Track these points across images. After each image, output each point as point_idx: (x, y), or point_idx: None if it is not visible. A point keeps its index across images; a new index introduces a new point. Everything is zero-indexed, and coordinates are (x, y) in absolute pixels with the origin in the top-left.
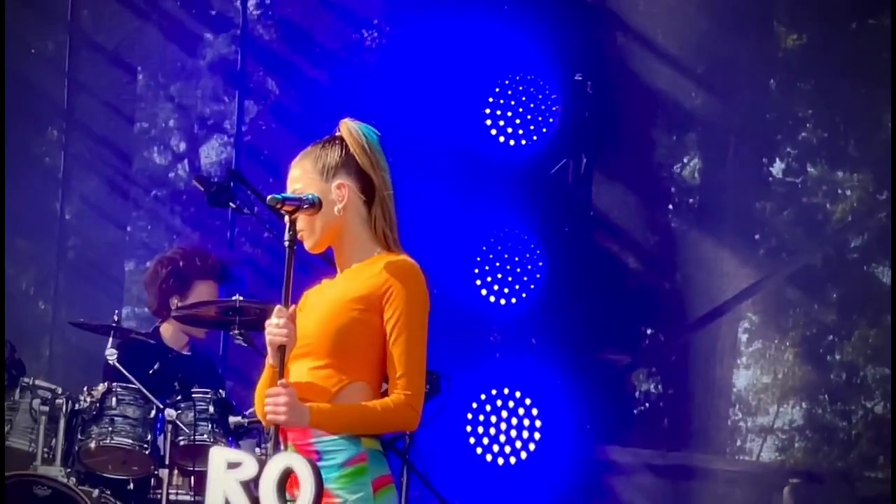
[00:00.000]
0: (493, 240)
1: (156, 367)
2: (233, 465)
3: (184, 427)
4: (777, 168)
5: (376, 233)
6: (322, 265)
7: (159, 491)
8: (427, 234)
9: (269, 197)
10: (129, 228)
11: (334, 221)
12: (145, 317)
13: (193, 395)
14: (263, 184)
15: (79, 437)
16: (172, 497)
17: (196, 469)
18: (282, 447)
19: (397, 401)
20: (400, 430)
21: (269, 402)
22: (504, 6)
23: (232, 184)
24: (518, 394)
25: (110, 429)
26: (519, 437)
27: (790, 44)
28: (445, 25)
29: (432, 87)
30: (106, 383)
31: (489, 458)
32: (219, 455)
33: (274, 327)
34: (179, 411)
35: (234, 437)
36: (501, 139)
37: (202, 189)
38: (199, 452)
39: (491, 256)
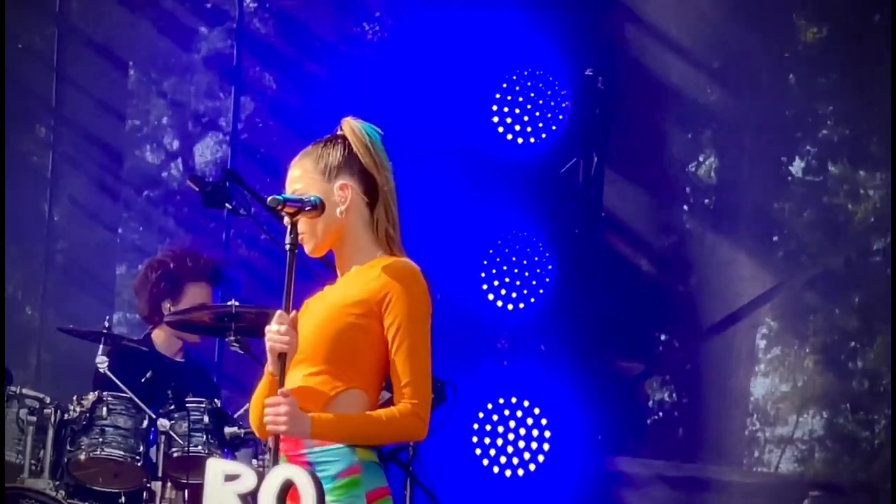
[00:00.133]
0: (501, 242)
1: (148, 375)
2: (230, 478)
3: (178, 438)
4: (796, 167)
5: (378, 235)
6: (323, 269)
7: None
8: (432, 237)
9: (269, 198)
10: (120, 230)
11: (336, 223)
12: (137, 322)
13: (188, 405)
14: (260, 183)
15: (68, 448)
16: None
17: (190, 482)
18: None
19: (403, 410)
20: (406, 441)
21: (268, 411)
22: None
23: (227, 184)
24: (526, 403)
25: (101, 440)
26: (527, 447)
27: (810, 37)
28: (450, 18)
29: (436, 83)
30: (96, 392)
31: (496, 469)
32: (216, 467)
33: (275, 334)
34: (173, 421)
35: (229, 448)
36: (509, 137)
37: (196, 189)
38: (193, 464)
39: (498, 259)
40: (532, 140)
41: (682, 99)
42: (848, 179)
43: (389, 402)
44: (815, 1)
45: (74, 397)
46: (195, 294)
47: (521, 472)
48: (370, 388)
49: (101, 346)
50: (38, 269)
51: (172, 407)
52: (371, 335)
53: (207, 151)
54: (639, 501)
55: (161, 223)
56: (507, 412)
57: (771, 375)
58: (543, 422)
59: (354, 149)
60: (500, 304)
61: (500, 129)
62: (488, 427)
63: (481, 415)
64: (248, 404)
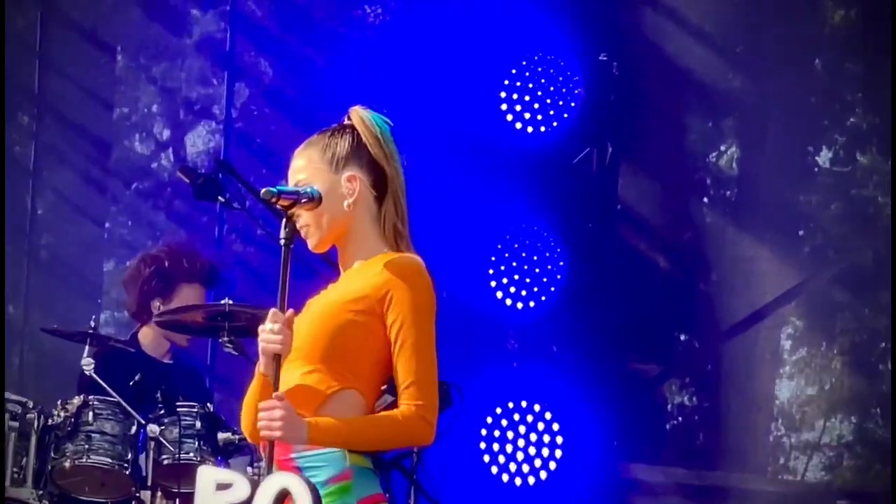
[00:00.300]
0: (510, 237)
1: (137, 378)
2: (222, 487)
3: (168, 444)
4: (823, 157)
5: (385, 231)
6: (323, 266)
7: None
8: (436, 232)
9: (263, 190)
10: (107, 225)
11: (342, 217)
12: (126, 322)
13: (178, 409)
14: (255, 175)
15: (52, 455)
16: None
17: (181, 490)
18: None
19: (407, 412)
20: (412, 445)
21: (262, 416)
22: None
23: (220, 175)
24: (537, 407)
25: (87, 446)
26: (538, 454)
27: (837, 20)
28: (456, 0)
29: (442, 69)
30: (82, 396)
31: (505, 478)
32: (207, 475)
33: (268, 333)
34: (163, 427)
35: (223, 455)
36: (518, 126)
37: (187, 181)
38: (184, 472)
39: (507, 255)
40: (543, 129)
41: (703, 85)
42: (878, 170)
43: (392, 406)
44: None
45: (59, 401)
46: (188, 295)
47: (531, 480)
48: (367, 390)
49: (86, 347)
50: (21, 265)
51: (162, 411)
52: (371, 334)
53: (200, 141)
54: None
55: (151, 217)
56: (516, 417)
57: (796, 377)
58: (555, 427)
59: (364, 139)
60: (508, 302)
61: (509, 118)
62: (497, 433)
63: (489, 420)
64: None
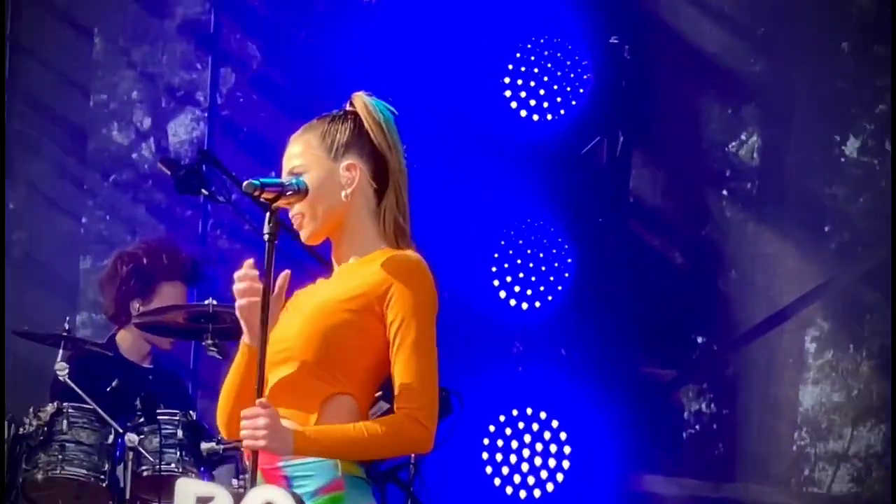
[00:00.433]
0: (514, 233)
1: (115, 383)
2: (203, 500)
3: (147, 455)
4: (851, 147)
5: (385, 226)
6: (312, 263)
7: None
8: (435, 228)
9: (245, 183)
10: (84, 220)
11: (339, 208)
12: (103, 324)
13: (159, 417)
14: (242, 166)
15: (23, 466)
16: None
17: None
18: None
19: (403, 418)
20: (408, 454)
21: (245, 424)
22: None
23: (204, 167)
24: (543, 414)
25: (60, 457)
26: (544, 465)
27: (866, 0)
28: None
29: (441, 53)
30: (55, 403)
31: (509, 490)
32: (186, 488)
33: (238, 280)
34: (142, 436)
35: (206, 466)
36: (523, 114)
37: (168, 173)
38: (165, 484)
39: (511, 253)
40: (549, 117)
41: (721, 70)
42: None
43: (389, 413)
44: None
45: (31, 409)
46: (168, 294)
47: (537, 492)
48: (361, 395)
49: (60, 351)
50: None
51: (142, 420)
52: (367, 335)
53: (182, 130)
54: None
55: (130, 211)
56: (521, 425)
57: (822, 383)
58: (563, 436)
59: (366, 126)
60: (513, 302)
61: (514, 105)
62: (500, 442)
63: (492, 428)
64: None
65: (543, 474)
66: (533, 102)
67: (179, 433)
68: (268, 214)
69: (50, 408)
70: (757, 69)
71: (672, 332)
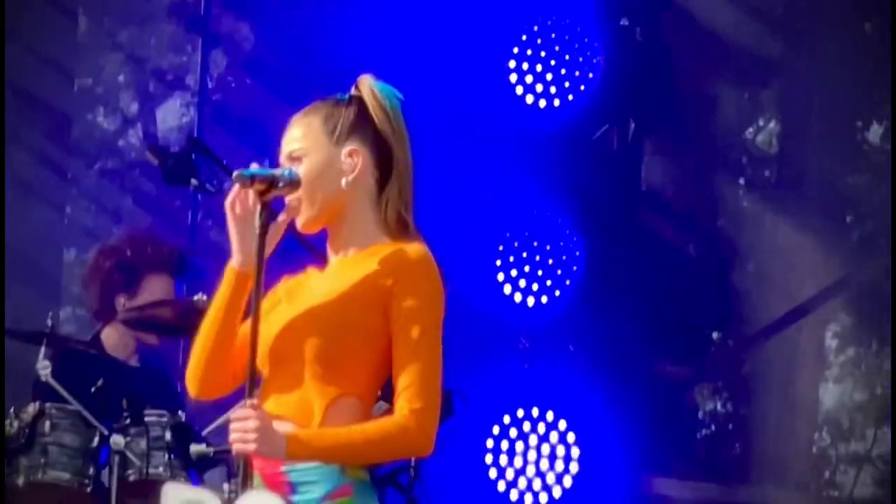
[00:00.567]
0: (520, 225)
1: (99, 383)
2: None
3: (134, 458)
4: (874, 133)
5: (386, 218)
6: (304, 254)
7: None
8: (437, 219)
9: (235, 174)
10: (68, 210)
11: (339, 195)
12: (88, 319)
13: (146, 419)
14: (233, 155)
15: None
16: None
17: None
18: (257, 482)
19: (402, 420)
20: (407, 458)
21: (235, 427)
22: None
23: (194, 155)
24: (550, 415)
25: (43, 460)
26: (551, 468)
27: None
28: None
29: (444, 36)
30: (37, 404)
31: (514, 495)
32: (174, 494)
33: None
34: (129, 438)
35: (196, 469)
36: (529, 100)
37: (156, 162)
38: (152, 489)
39: (517, 245)
40: (557, 103)
41: (738, 52)
42: None
43: (387, 414)
44: None
45: (11, 410)
46: (155, 287)
47: (543, 497)
48: (366, 396)
49: (42, 349)
50: None
51: (128, 421)
52: (372, 333)
53: (171, 116)
54: None
55: (117, 201)
56: (527, 426)
57: (844, 381)
58: (571, 438)
59: (371, 111)
60: (519, 298)
61: (519, 91)
62: (505, 444)
63: (496, 429)
64: (220, 419)
65: (550, 478)
66: (539, 88)
67: (167, 435)
68: (259, 206)
69: (31, 409)
70: (775, 51)
71: (686, 328)
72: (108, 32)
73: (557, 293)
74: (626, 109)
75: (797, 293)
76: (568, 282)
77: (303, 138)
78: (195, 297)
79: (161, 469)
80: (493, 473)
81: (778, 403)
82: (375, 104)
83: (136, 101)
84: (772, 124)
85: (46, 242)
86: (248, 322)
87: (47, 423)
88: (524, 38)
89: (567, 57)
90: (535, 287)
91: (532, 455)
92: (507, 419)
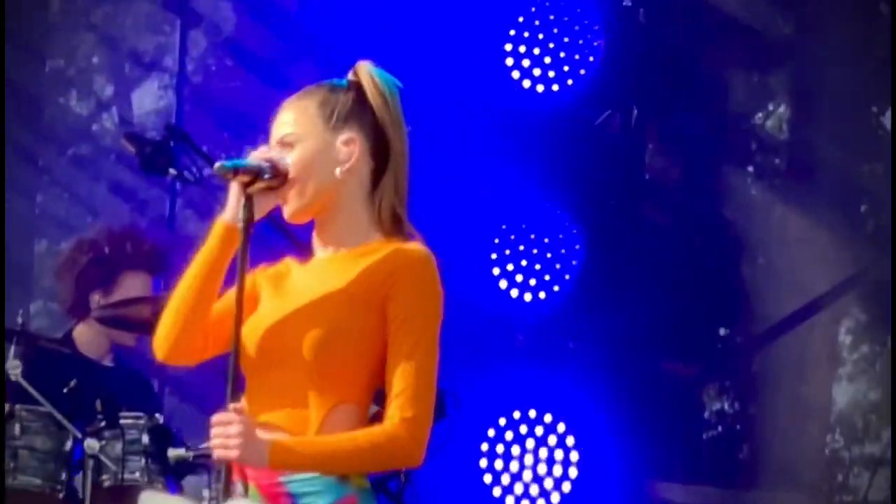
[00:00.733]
0: (516, 215)
1: (72, 383)
2: None
3: (109, 463)
4: (889, 118)
5: (380, 212)
6: (288, 248)
7: None
8: (430, 210)
9: (216, 165)
10: (38, 198)
11: (332, 185)
12: (61, 314)
13: (121, 421)
14: (214, 142)
15: None
16: None
17: None
18: (239, 490)
19: (392, 430)
20: (395, 468)
21: (216, 432)
22: None
23: (172, 143)
24: (548, 417)
25: (12, 465)
26: (549, 473)
27: None
28: None
29: (436, 17)
30: (7, 406)
31: (510, 501)
32: (151, 501)
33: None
34: (103, 442)
35: (174, 475)
36: (526, 84)
37: (133, 151)
38: (128, 496)
39: (513, 238)
40: (556, 88)
41: (747, 33)
42: None
43: (377, 417)
44: None
45: None
46: (131, 284)
47: (541, 503)
48: (363, 403)
49: (12, 347)
50: None
51: (103, 424)
52: (369, 335)
53: (148, 99)
54: None
55: (91, 189)
56: (523, 429)
57: (858, 380)
58: (570, 441)
59: (370, 98)
60: (515, 293)
61: (516, 75)
62: (500, 448)
63: (492, 432)
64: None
65: (548, 483)
66: (538, 72)
67: (144, 438)
68: (242, 200)
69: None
70: (786, 32)
71: (692, 325)
72: (81, 11)
73: (556, 288)
74: (628, 95)
75: (809, 287)
76: (567, 276)
77: (296, 123)
78: None
79: (137, 474)
80: (487, 479)
81: (788, 403)
82: (375, 91)
83: (111, 84)
84: (782, 109)
85: (17, 233)
86: (226, 298)
87: (17, 426)
88: (521, 19)
89: (566, 39)
90: (532, 282)
91: (529, 459)
92: (502, 421)
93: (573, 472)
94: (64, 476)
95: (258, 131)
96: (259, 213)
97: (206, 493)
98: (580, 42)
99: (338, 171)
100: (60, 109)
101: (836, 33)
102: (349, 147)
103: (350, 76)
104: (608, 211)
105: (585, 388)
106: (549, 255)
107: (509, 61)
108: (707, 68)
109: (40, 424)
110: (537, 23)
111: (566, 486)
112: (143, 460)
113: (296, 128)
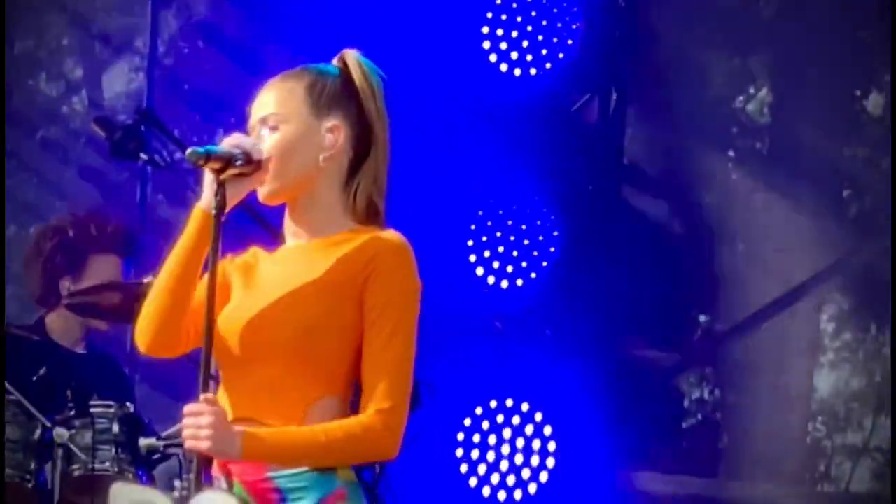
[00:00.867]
0: (493, 201)
1: (42, 371)
2: None
3: (79, 452)
4: (873, 102)
5: (355, 201)
6: (260, 235)
7: None
8: (405, 196)
9: (188, 151)
10: (6, 183)
11: (311, 171)
12: (29, 299)
13: (92, 410)
14: (186, 124)
15: None
16: None
17: None
18: (221, 484)
19: (367, 422)
20: (370, 461)
21: (188, 422)
22: None
23: (143, 127)
24: (525, 406)
25: None
26: (526, 463)
27: None
28: None
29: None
30: None
31: (487, 491)
32: (122, 494)
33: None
34: (73, 431)
35: (145, 465)
36: (504, 68)
37: (103, 135)
38: (99, 486)
39: (490, 224)
40: (533, 72)
41: (728, 15)
42: None
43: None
44: None
45: None
46: (101, 269)
47: (518, 494)
48: (345, 396)
49: None
50: None
51: (73, 412)
52: (349, 325)
53: (119, 82)
54: None
55: (60, 173)
56: (500, 418)
57: (840, 367)
58: (547, 430)
59: (358, 87)
60: (492, 280)
61: (493, 58)
62: (476, 437)
63: (468, 421)
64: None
65: (525, 473)
66: (515, 56)
67: (115, 428)
68: (215, 186)
69: None
70: (767, 13)
71: (671, 312)
72: None
73: (533, 275)
74: (607, 79)
75: (790, 274)
76: (545, 263)
77: (282, 104)
78: (145, 280)
79: (108, 464)
80: (463, 468)
81: (769, 392)
82: (363, 80)
83: (81, 66)
84: (763, 92)
85: None
86: (201, 288)
87: None
88: (498, 1)
89: (544, 22)
90: (509, 269)
91: (506, 449)
92: (479, 410)
93: (550, 462)
94: (33, 466)
95: (230, 114)
96: (232, 201)
97: (177, 482)
98: (558, 25)
99: (321, 157)
100: (28, 92)
101: (818, 15)
102: (334, 135)
103: (336, 63)
104: (586, 197)
105: (563, 377)
106: (526, 242)
107: (486, 44)
108: (687, 52)
109: (9, 413)
110: (515, 5)
111: (543, 477)
112: (114, 450)
113: (281, 109)
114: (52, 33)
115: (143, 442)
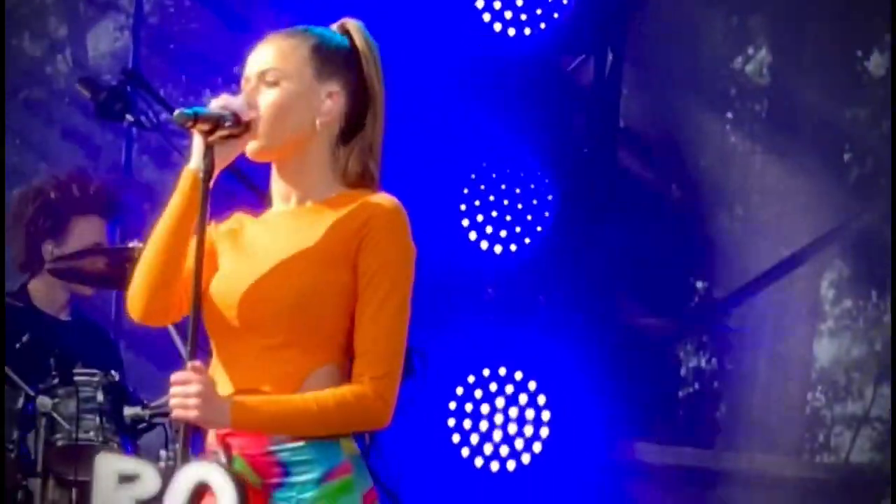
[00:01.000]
0: (486, 164)
1: (24, 339)
2: (126, 479)
3: (62, 421)
4: (875, 63)
5: (347, 167)
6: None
7: None
8: (396, 158)
9: (176, 112)
10: None
11: (306, 133)
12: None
13: (76, 378)
14: (172, 85)
15: None
16: None
17: (79, 479)
18: (220, 457)
19: (359, 390)
20: (362, 430)
21: (175, 391)
22: None
23: (129, 88)
24: (519, 375)
25: None
26: (520, 433)
27: None
28: None
29: None
30: None
31: (479, 462)
32: (107, 464)
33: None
34: (57, 400)
35: (130, 435)
36: (497, 28)
37: (88, 96)
38: (83, 456)
39: (483, 188)
40: (527, 31)
41: None
42: None
43: None
44: None
45: None
46: (84, 231)
47: (511, 464)
48: (344, 364)
49: None
50: None
51: (56, 381)
52: (346, 291)
53: (104, 41)
54: (666, 502)
55: (44, 135)
56: (493, 387)
57: (840, 335)
58: (541, 399)
59: (361, 56)
60: (485, 245)
61: (486, 17)
62: (469, 407)
63: (460, 390)
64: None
65: (519, 444)
66: (509, 15)
67: (99, 396)
68: (203, 149)
69: None
70: None
71: (667, 278)
72: None
73: (527, 240)
74: (603, 39)
75: (790, 239)
76: (539, 228)
77: (283, 60)
78: (130, 244)
79: (92, 434)
80: (455, 438)
81: (768, 360)
82: (367, 50)
83: (65, 25)
84: (762, 53)
85: None
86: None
87: None
88: None
89: None
90: (503, 234)
91: (499, 418)
92: (471, 379)
93: (544, 432)
94: (15, 435)
95: (217, 73)
96: (221, 163)
97: (162, 453)
98: None
99: (317, 121)
100: (11, 51)
101: None
102: (333, 100)
103: (337, 30)
104: (581, 160)
105: (557, 345)
106: (520, 206)
107: (480, 3)
108: (684, 11)
109: None
110: None
111: (537, 447)
112: (98, 419)
113: (282, 65)
114: None
115: (129, 411)
